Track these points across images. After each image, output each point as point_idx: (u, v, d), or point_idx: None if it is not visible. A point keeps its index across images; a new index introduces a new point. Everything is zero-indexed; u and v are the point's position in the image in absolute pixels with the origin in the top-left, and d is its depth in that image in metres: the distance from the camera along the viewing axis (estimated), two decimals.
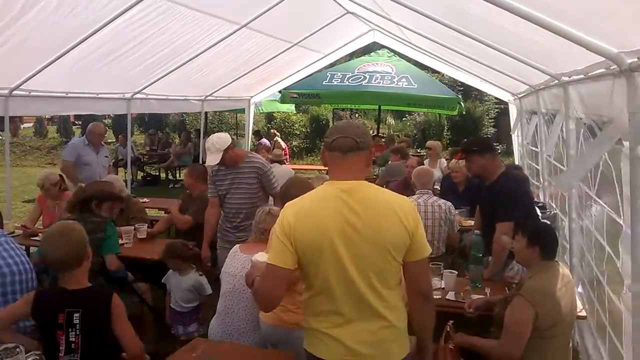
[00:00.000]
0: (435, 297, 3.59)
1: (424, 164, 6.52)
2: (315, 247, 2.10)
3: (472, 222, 5.36)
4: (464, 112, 15.90)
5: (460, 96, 12.38)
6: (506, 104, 10.64)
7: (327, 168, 2.26)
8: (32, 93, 5.74)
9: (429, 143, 8.63)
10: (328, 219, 2.11)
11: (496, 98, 14.25)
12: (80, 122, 23.37)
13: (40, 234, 5.31)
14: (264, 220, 3.45)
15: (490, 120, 20.99)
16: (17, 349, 1.54)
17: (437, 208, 4.66)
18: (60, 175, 5.71)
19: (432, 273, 3.74)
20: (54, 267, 2.63)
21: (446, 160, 7.96)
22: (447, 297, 3.65)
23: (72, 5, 4.64)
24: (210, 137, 4.55)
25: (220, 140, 4.40)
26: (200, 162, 10.35)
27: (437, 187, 6.36)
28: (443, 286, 3.76)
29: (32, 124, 24.18)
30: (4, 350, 1.53)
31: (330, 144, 2.19)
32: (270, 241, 3.23)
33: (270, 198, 4.77)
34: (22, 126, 23.56)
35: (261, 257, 2.72)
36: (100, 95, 6.96)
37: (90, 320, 2.42)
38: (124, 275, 4.22)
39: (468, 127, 19.60)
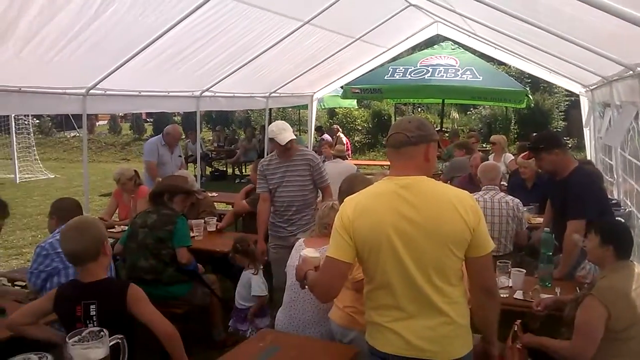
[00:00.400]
0: (502, 295, 3.53)
1: (488, 160, 6.39)
2: (373, 242, 2.12)
3: (541, 220, 5.20)
4: (532, 105, 15.36)
5: (527, 89, 11.97)
6: (577, 96, 10.22)
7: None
8: (108, 92, 6.04)
9: (493, 137, 8.43)
10: (384, 214, 2.12)
11: (566, 90, 13.71)
12: (151, 120, 24.31)
13: (116, 226, 5.63)
14: (327, 214, 3.48)
15: (560, 114, 20.16)
16: (102, 333, 1.65)
17: (504, 205, 4.55)
18: (135, 171, 6.00)
19: (500, 271, 3.68)
20: (70, 260, 2.66)
21: (513, 155, 7.75)
22: (515, 296, 3.56)
23: (143, 6, 4.84)
24: (272, 124, 4.67)
25: (284, 123, 4.59)
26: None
27: (504, 183, 6.22)
28: (511, 285, 3.68)
29: (106, 121, 25.38)
30: (89, 333, 1.64)
31: (387, 141, 2.25)
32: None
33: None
34: (97, 124, 24.78)
35: (310, 252, 2.78)
36: (171, 94, 7.24)
37: (106, 311, 2.42)
38: (194, 268, 4.39)
39: (536, 120, 18.92)
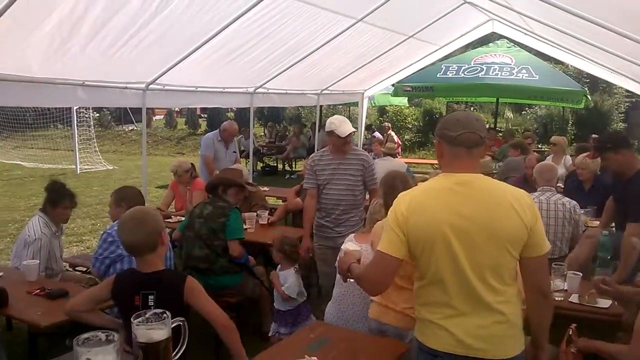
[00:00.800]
0: (557, 299, 3.47)
1: (544, 160, 6.24)
2: (427, 239, 2.10)
3: (598, 223, 5.06)
4: (590, 106, 14.86)
5: (586, 88, 11.59)
6: (638, 97, 9.82)
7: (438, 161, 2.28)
8: (166, 87, 6.25)
9: (553, 138, 8.23)
10: (440, 211, 2.10)
11: (627, 91, 13.19)
12: (205, 115, 24.86)
13: (172, 217, 5.83)
14: (378, 211, 3.52)
15: (619, 115, 19.41)
16: (164, 315, 1.74)
17: (561, 206, 4.44)
18: (191, 164, 6.19)
19: (555, 274, 3.61)
20: (128, 251, 2.67)
21: (571, 156, 7.54)
22: (570, 299, 3.49)
23: (201, 4, 4.97)
24: (331, 117, 4.65)
25: (344, 117, 4.61)
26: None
27: (561, 185, 6.07)
28: (566, 288, 3.60)
29: (162, 116, 26.12)
30: (153, 314, 1.74)
31: (455, 138, 2.14)
32: (373, 232, 3.31)
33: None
34: (154, 118, 25.54)
35: (351, 245, 2.84)
36: (226, 90, 7.41)
37: (164, 301, 2.39)
38: (245, 260, 4.50)
39: (595, 121, 18.28)
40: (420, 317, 2.24)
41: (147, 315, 1.73)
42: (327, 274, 4.49)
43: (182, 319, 1.87)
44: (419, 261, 2.17)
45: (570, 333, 2.90)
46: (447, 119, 2.25)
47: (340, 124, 4.41)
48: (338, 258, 2.76)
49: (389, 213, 2.25)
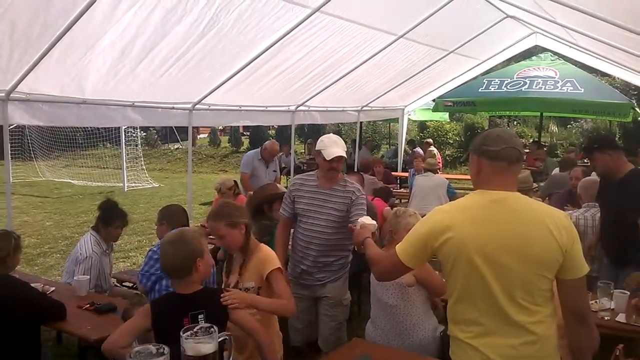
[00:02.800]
0: (605, 318, 3.38)
1: (590, 175, 6.09)
2: (457, 256, 2.07)
3: None
4: (638, 119, 14.38)
5: (634, 101, 11.24)
6: None
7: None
8: (211, 107, 6.42)
9: None
10: (472, 229, 2.07)
11: None
12: (248, 133, 25.28)
13: None
14: (389, 222, 3.53)
15: None
16: (212, 329, 1.80)
17: None
18: (234, 181, 6.32)
19: (602, 293, 3.53)
20: (166, 274, 2.68)
21: None
22: (617, 319, 3.40)
23: (245, 22, 5.11)
24: (323, 136, 3.96)
25: (338, 138, 3.83)
26: (355, 169, 10.66)
27: None
28: (613, 307, 3.51)
29: (206, 134, 26.69)
30: (200, 329, 1.80)
31: (498, 152, 2.09)
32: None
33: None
34: (198, 136, 26.12)
35: (368, 219, 2.89)
36: (268, 108, 7.55)
37: (212, 319, 2.34)
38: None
39: None
40: (453, 336, 2.20)
41: (195, 329, 1.79)
42: (298, 330, 3.94)
43: (228, 333, 1.93)
44: (449, 277, 2.15)
45: (617, 354, 2.81)
46: (487, 135, 2.20)
47: (328, 144, 3.72)
48: (355, 231, 2.83)
49: (421, 221, 2.26)
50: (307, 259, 3.80)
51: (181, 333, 1.80)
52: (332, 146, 3.69)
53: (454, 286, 2.14)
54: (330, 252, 3.79)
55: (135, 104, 5.47)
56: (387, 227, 3.55)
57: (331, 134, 3.90)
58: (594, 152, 4.06)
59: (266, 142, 7.58)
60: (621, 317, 3.40)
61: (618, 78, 13.32)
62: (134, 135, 17.62)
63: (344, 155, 3.72)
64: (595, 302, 3.52)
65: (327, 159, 3.64)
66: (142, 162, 17.62)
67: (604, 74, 13.14)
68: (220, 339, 1.87)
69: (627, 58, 6.57)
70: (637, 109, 10.91)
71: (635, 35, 4.31)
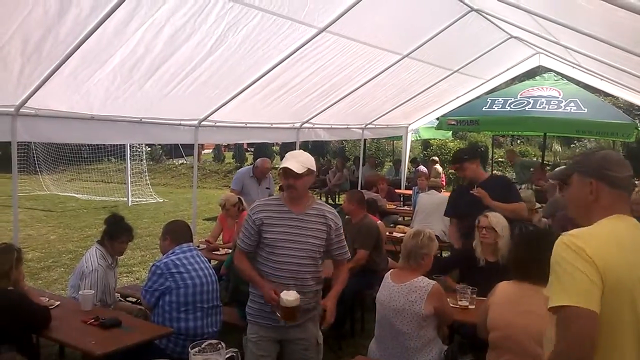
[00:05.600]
0: None
1: None
2: (623, 287, 1.69)
3: None
4: None
5: (637, 121, 11.28)
6: None
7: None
8: (217, 124, 6.48)
9: None
10: (627, 255, 1.75)
11: None
12: (252, 149, 25.38)
13: (220, 249, 5.97)
14: (426, 245, 3.48)
15: None
16: (219, 345, 1.82)
17: None
18: (239, 198, 6.35)
19: None
20: None
21: None
22: None
23: (253, 42, 5.18)
24: (297, 151, 3.52)
25: (310, 158, 3.32)
26: (359, 188, 10.69)
27: None
28: None
29: (211, 150, 26.81)
30: (208, 345, 1.82)
31: (622, 179, 1.88)
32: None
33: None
34: (203, 152, 26.23)
35: (290, 295, 2.83)
36: (273, 125, 7.61)
37: None
38: None
39: None
40: None
41: (203, 346, 1.82)
42: None
43: (235, 349, 1.95)
44: (605, 316, 1.67)
45: None
46: (607, 159, 1.91)
47: (287, 158, 3.24)
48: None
49: (563, 250, 1.74)
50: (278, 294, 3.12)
51: (190, 349, 1.82)
52: (290, 159, 3.19)
53: (616, 328, 1.70)
54: (306, 286, 3.24)
55: (143, 120, 5.53)
56: (417, 249, 3.46)
57: (297, 150, 3.47)
58: (464, 162, 4.76)
59: (257, 161, 7.61)
60: None
61: (621, 98, 13.38)
62: (139, 150, 17.68)
63: (301, 170, 3.13)
64: None
65: (293, 169, 3.14)
66: (147, 177, 17.65)
67: (607, 94, 13.22)
68: (227, 355, 1.89)
69: (630, 79, 6.63)
70: None
71: (637, 57, 4.37)
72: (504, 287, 2.97)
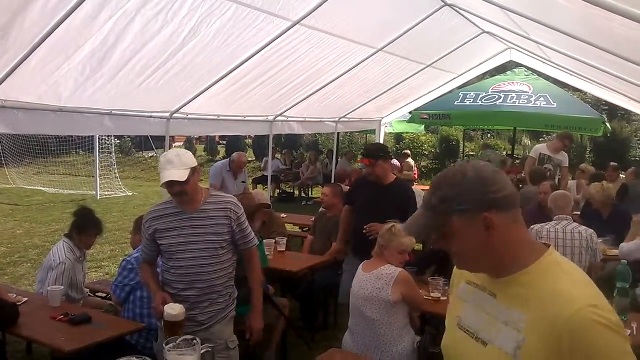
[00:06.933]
0: None
1: (558, 189, 6.24)
2: None
3: (617, 252, 5.04)
4: (609, 134, 14.78)
5: (604, 116, 11.56)
6: None
7: None
8: (189, 116, 6.40)
9: (582, 166, 8.44)
10: None
11: None
12: (224, 142, 25.18)
13: None
14: (382, 236, 3.55)
15: (638, 142, 19.30)
16: (194, 341, 1.80)
17: (577, 235, 4.44)
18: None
19: None
20: None
21: (587, 184, 7.55)
22: None
23: (226, 35, 5.14)
24: (169, 151, 3.31)
25: (187, 154, 3.05)
26: (332, 181, 10.70)
27: (577, 212, 6.06)
28: None
29: (182, 143, 26.48)
30: (183, 341, 1.80)
31: (511, 197, 1.41)
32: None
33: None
34: (174, 145, 25.86)
35: (173, 309, 2.71)
36: (247, 118, 7.56)
37: None
38: (264, 288, 4.51)
39: (614, 149, 18.15)
40: None
41: (178, 342, 1.79)
42: None
43: (211, 345, 1.93)
44: None
45: None
46: (484, 178, 1.46)
47: (163, 166, 2.94)
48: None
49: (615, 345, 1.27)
50: (186, 302, 2.99)
51: (164, 345, 1.79)
52: (168, 169, 2.91)
53: None
54: (216, 287, 3.11)
55: (113, 112, 5.42)
56: (379, 240, 3.57)
57: (172, 150, 3.18)
58: (379, 160, 4.61)
59: (233, 155, 7.63)
60: None
61: (589, 93, 13.68)
62: (107, 142, 17.39)
63: (185, 177, 2.89)
64: None
65: (161, 184, 2.96)
66: (116, 170, 17.37)
67: (575, 90, 13.49)
68: (203, 351, 1.87)
69: (598, 74, 6.77)
70: (608, 124, 11.22)
71: (607, 53, 4.46)
72: None
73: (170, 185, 2.89)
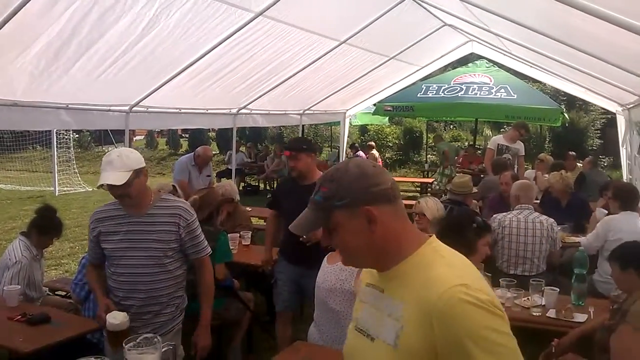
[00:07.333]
0: (534, 314, 3.56)
1: (518, 179, 6.38)
2: None
3: (575, 239, 5.20)
4: (567, 124, 15.18)
5: (563, 107, 11.88)
6: (613, 114, 10.09)
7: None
8: (150, 109, 6.27)
9: (541, 155, 8.76)
10: None
11: (602, 108, 13.52)
12: (187, 135, 24.83)
13: None
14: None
15: (595, 132, 19.89)
16: (155, 339, 1.76)
17: (539, 224, 4.55)
18: (173, 186, 6.16)
19: (533, 290, 3.71)
20: None
21: (544, 174, 7.75)
22: (547, 314, 3.57)
23: (187, 26, 5.03)
24: (112, 150, 3.07)
25: (131, 155, 2.84)
26: None
27: (536, 200, 6.21)
28: (544, 303, 3.69)
29: (143, 136, 26.01)
30: (144, 339, 1.76)
31: (391, 190, 1.45)
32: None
33: None
34: (134, 138, 25.38)
35: (115, 317, 2.57)
36: (209, 111, 7.45)
37: None
38: (230, 283, 4.48)
39: (571, 138, 18.64)
40: None
41: (138, 340, 1.75)
42: None
43: (173, 343, 1.89)
44: None
45: (553, 350, 2.96)
46: (364, 173, 1.45)
47: (103, 166, 2.77)
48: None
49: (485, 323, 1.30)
50: (127, 312, 2.77)
51: (124, 344, 1.75)
52: (105, 168, 2.74)
53: None
54: (159, 297, 2.92)
55: (70, 106, 5.26)
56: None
57: (115, 150, 2.93)
58: (301, 152, 4.15)
59: (199, 149, 7.51)
60: (552, 313, 3.57)
61: (548, 85, 14.00)
62: (66, 137, 16.95)
63: (124, 179, 2.69)
64: (527, 299, 3.70)
65: (97, 186, 2.80)
66: (75, 165, 16.96)
67: (535, 81, 13.78)
68: (164, 349, 1.84)
69: (556, 66, 6.93)
70: (566, 114, 11.52)
71: (564, 45, 4.56)
72: None
73: (110, 187, 2.71)
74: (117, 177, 2.65)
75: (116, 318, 2.56)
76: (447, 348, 1.24)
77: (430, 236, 1.45)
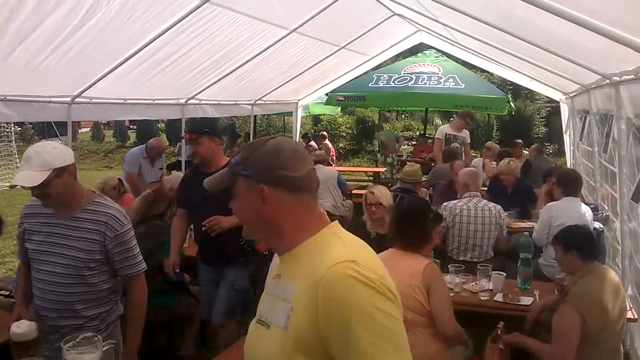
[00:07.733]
0: (482, 298, 3.65)
1: (469, 166, 6.53)
2: None
3: (521, 224, 5.37)
4: (513, 112, 15.63)
5: (509, 96, 12.21)
6: (557, 103, 10.45)
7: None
8: (93, 100, 6.05)
9: (488, 144, 9.15)
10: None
11: (547, 97, 14.00)
12: (135, 127, 24.24)
13: None
14: None
15: (541, 120, 20.57)
16: (95, 338, 1.70)
17: (487, 212, 4.65)
18: (119, 179, 5.98)
19: (481, 275, 3.80)
20: None
21: (492, 162, 7.95)
22: (495, 298, 3.68)
23: (129, 13, 4.84)
24: (34, 145, 2.68)
25: (54, 151, 2.49)
26: None
27: (483, 188, 6.37)
28: (491, 288, 3.78)
29: (89, 128, 25.22)
30: (83, 338, 1.69)
31: (300, 180, 1.44)
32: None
33: None
34: (80, 131, 24.58)
35: (17, 326, 2.31)
36: (156, 101, 7.26)
37: None
38: (180, 278, 4.40)
39: (518, 126, 19.22)
40: None
41: (78, 339, 1.68)
42: None
43: (114, 341, 1.83)
44: None
45: (499, 332, 3.04)
46: (280, 153, 1.45)
47: (23, 164, 2.48)
48: None
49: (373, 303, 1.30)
50: (42, 321, 2.54)
51: (62, 344, 1.68)
52: (22, 166, 2.48)
53: None
54: (78, 312, 2.59)
55: (8, 97, 5.01)
56: None
57: (36, 145, 2.60)
58: (202, 136, 3.89)
59: (151, 140, 7.39)
60: (499, 297, 3.67)
61: (495, 74, 14.36)
62: (7, 130, 16.28)
63: (39, 180, 2.38)
64: (475, 283, 3.79)
65: (13, 183, 2.51)
66: (17, 159, 16.30)
67: (483, 71, 14.10)
68: (105, 348, 1.77)
69: (502, 55, 7.09)
70: (512, 103, 11.85)
71: (509, 35, 4.65)
72: (384, 255, 3.09)
73: (25, 188, 2.42)
74: (31, 177, 2.37)
75: (19, 327, 2.31)
76: (329, 324, 1.22)
77: (334, 223, 1.44)
